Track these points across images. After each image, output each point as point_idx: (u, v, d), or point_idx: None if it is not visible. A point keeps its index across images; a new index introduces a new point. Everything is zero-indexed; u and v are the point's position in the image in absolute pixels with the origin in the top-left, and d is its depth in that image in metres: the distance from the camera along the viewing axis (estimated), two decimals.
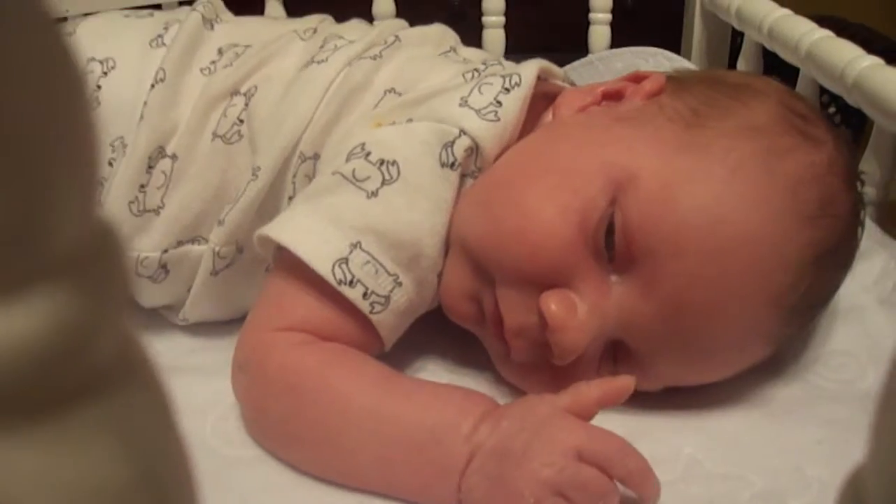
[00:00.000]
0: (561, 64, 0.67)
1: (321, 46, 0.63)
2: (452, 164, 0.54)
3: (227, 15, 0.71)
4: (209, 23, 0.67)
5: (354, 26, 0.70)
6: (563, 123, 0.57)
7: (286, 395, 0.52)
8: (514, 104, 0.56)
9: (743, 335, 0.52)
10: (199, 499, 0.17)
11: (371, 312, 0.53)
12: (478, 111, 0.55)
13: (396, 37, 0.65)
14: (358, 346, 0.54)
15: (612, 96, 0.58)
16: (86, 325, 0.13)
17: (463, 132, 0.55)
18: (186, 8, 0.69)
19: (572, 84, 0.66)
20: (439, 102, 0.56)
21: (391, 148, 0.55)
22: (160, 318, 0.67)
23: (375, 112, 0.59)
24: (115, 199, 0.60)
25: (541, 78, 0.60)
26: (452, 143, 0.54)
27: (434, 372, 0.60)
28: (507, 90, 0.57)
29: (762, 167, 0.50)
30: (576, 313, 0.50)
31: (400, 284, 0.53)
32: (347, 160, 0.55)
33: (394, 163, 0.54)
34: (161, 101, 0.61)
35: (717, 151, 0.51)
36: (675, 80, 0.58)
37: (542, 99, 0.60)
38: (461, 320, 0.57)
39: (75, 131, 0.13)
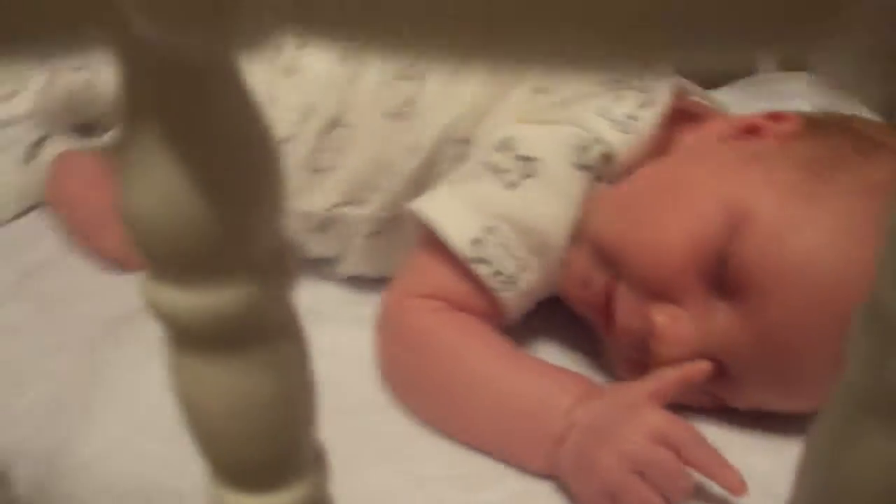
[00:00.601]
0: None
1: None
2: (586, 167, 0.60)
3: None
4: None
5: None
6: (702, 151, 0.62)
7: (418, 355, 0.59)
8: (648, 121, 0.61)
9: (830, 375, 0.56)
10: (316, 417, 0.25)
11: (498, 291, 0.60)
12: (613, 121, 0.61)
13: None
14: (484, 319, 0.61)
15: (751, 131, 0.62)
16: (265, 302, 0.22)
17: (598, 140, 0.60)
18: None
19: (710, 102, 0.70)
20: (580, 109, 0.62)
21: (533, 146, 0.61)
22: (323, 271, 0.75)
23: (523, 108, 0.65)
24: (296, 155, 0.69)
25: (679, 94, 0.65)
26: (588, 147, 0.60)
27: (547, 353, 0.66)
28: (643, 106, 0.62)
29: (870, 224, 0.53)
30: (679, 329, 0.55)
31: (527, 268, 0.60)
32: (493, 151, 0.62)
33: (534, 159, 0.60)
34: (348, 76, 0.69)
35: (833, 204, 0.54)
36: (812, 125, 0.61)
37: (679, 113, 0.64)
38: (578, 306, 0.63)
39: (268, 179, 0.22)
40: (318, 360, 0.25)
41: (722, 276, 0.55)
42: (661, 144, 0.63)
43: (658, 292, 0.57)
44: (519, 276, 0.60)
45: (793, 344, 0.54)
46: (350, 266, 0.73)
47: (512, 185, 0.60)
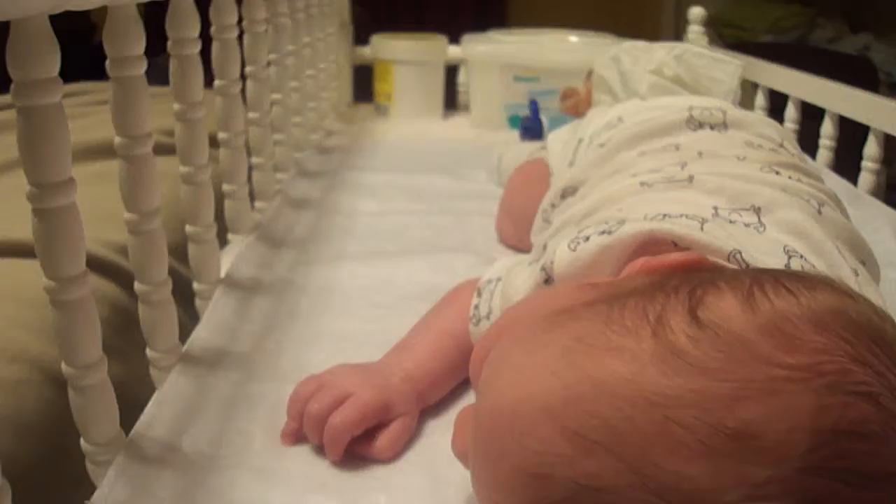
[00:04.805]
0: None
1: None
2: (543, 269, 0.66)
3: None
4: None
5: None
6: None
7: None
8: (592, 244, 0.61)
9: None
10: None
11: (470, 321, 0.73)
12: (572, 239, 0.63)
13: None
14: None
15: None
16: None
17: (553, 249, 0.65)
18: None
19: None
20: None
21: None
22: None
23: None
24: None
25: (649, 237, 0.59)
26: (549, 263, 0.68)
27: None
28: (602, 234, 0.61)
29: None
30: None
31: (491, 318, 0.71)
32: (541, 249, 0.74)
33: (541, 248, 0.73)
34: None
35: None
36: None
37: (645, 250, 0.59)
38: None
39: None
40: None
41: None
42: (599, 271, 0.61)
43: None
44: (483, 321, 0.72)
45: None
46: None
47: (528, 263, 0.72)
